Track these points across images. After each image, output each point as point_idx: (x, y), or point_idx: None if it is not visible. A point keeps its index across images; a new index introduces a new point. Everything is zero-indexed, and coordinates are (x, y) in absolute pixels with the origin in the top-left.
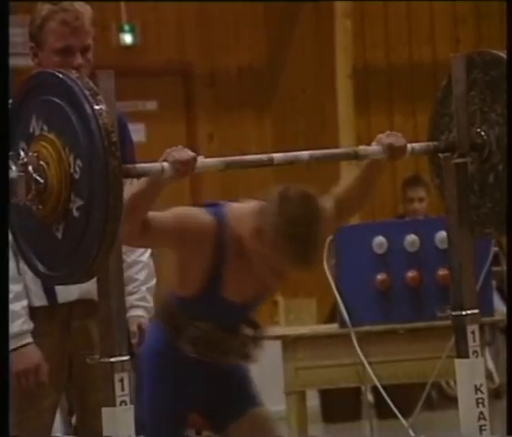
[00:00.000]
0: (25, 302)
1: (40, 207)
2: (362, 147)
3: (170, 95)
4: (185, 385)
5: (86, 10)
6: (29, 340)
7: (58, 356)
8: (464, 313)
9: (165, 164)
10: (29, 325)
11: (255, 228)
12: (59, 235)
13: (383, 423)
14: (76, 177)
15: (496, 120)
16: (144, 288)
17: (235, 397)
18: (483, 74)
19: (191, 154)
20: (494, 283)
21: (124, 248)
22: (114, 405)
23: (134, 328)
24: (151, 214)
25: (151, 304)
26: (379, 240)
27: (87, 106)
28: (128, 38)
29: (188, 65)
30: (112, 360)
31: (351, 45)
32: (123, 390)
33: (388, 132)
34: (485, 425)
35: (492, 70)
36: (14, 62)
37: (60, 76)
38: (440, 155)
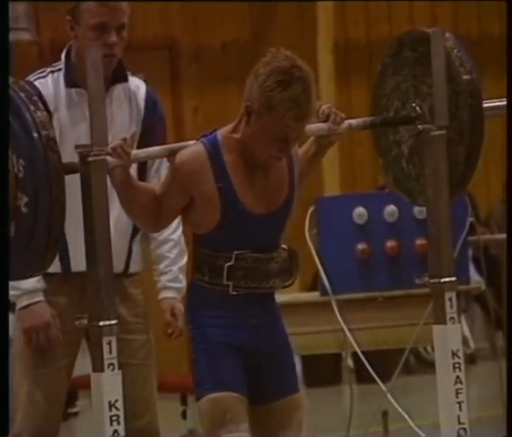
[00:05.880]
0: None
1: None
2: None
3: (156, 69)
4: (232, 330)
5: None
6: (41, 297)
7: (74, 320)
8: (442, 281)
9: (107, 156)
10: (42, 284)
11: (244, 108)
12: (12, 232)
13: (362, 388)
14: (21, 175)
15: (428, 92)
16: (176, 267)
17: (280, 374)
18: (412, 51)
19: (121, 138)
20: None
21: None
22: (102, 368)
23: (168, 315)
24: (157, 190)
25: (183, 284)
26: (359, 211)
27: (22, 108)
28: None
29: (173, 40)
30: (100, 323)
31: (332, 22)
32: (111, 353)
33: (329, 104)
34: (461, 389)
35: (419, 46)
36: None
37: None
38: (420, 127)
